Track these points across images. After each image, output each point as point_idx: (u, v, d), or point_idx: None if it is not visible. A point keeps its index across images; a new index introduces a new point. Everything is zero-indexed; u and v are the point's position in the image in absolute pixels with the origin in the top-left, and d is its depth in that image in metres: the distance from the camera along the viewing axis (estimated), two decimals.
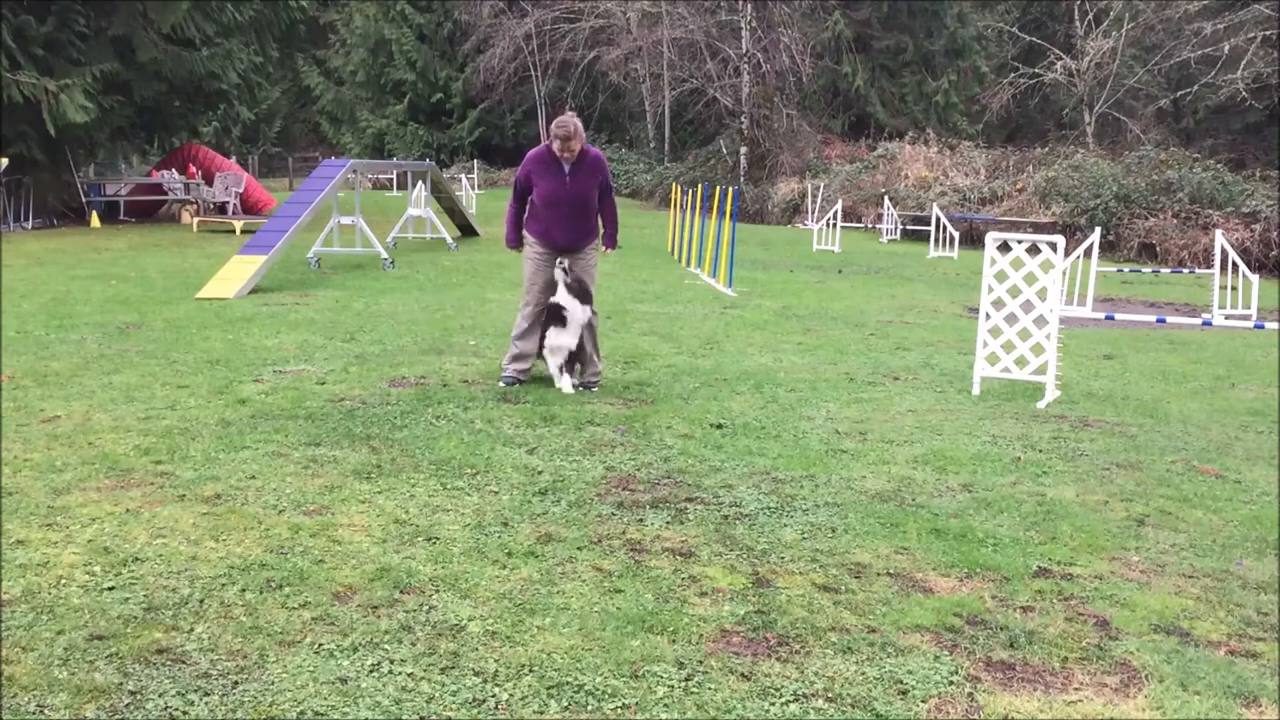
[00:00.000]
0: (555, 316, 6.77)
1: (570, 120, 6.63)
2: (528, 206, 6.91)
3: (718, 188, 14.52)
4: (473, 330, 9.17)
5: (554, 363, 6.84)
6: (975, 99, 38.97)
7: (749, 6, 34.78)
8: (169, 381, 6.78)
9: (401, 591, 3.60)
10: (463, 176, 33.44)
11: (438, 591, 3.61)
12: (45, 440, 5.30)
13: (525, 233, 6.96)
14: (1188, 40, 33.30)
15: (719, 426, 5.99)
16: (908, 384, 7.48)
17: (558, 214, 6.76)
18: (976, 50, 39.12)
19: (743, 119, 35.06)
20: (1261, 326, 8.37)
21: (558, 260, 6.80)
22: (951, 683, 3.10)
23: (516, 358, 6.95)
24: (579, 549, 4.04)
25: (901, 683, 3.09)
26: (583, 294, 6.81)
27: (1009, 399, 7.06)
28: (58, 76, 18.08)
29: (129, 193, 23.22)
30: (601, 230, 7.11)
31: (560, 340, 6.75)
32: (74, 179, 21.64)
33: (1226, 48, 31.52)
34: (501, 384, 6.84)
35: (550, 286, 6.87)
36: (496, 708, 2.89)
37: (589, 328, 6.91)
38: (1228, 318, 11.44)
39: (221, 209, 22.55)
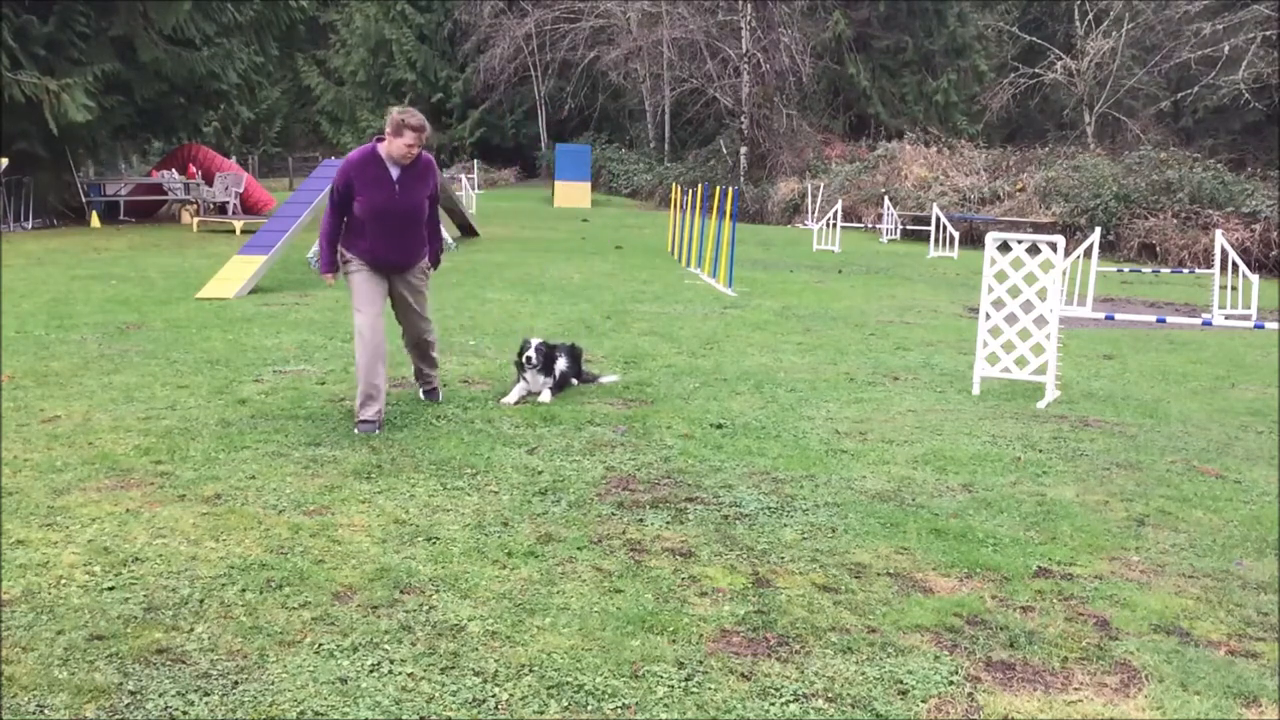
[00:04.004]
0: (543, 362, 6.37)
1: (418, 113, 5.65)
2: (346, 221, 5.72)
3: (718, 188, 14.52)
4: (473, 330, 9.17)
5: (521, 390, 6.46)
6: (975, 99, 39.02)
7: (749, 6, 34.80)
8: (169, 381, 6.78)
9: (401, 591, 3.60)
10: (462, 176, 33.51)
11: (438, 591, 3.61)
12: (45, 440, 5.30)
13: (344, 253, 5.77)
14: (1187, 41, 33.30)
15: (719, 426, 5.99)
16: (908, 384, 7.48)
17: (385, 228, 5.66)
18: (976, 50, 39.18)
19: (743, 119, 35.10)
20: (1261, 326, 8.38)
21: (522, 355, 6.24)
22: (951, 683, 3.10)
23: (369, 399, 5.66)
24: (579, 549, 4.04)
25: (901, 683, 3.09)
26: (548, 364, 6.37)
27: (1009, 399, 7.06)
28: (59, 76, 18.10)
29: (129, 193, 23.22)
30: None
31: (536, 384, 6.48)
32: (74, 179, 21.64)
33: (1226, 48, 31.51)
34: (357, 431, 5.57)
35: (384, 298, 5.85)
36: (496, 708, 2.89)
37: (425, 343, 6.21)
38: (1228, 318, 11.44)
39: (221, 209, 22.55)
